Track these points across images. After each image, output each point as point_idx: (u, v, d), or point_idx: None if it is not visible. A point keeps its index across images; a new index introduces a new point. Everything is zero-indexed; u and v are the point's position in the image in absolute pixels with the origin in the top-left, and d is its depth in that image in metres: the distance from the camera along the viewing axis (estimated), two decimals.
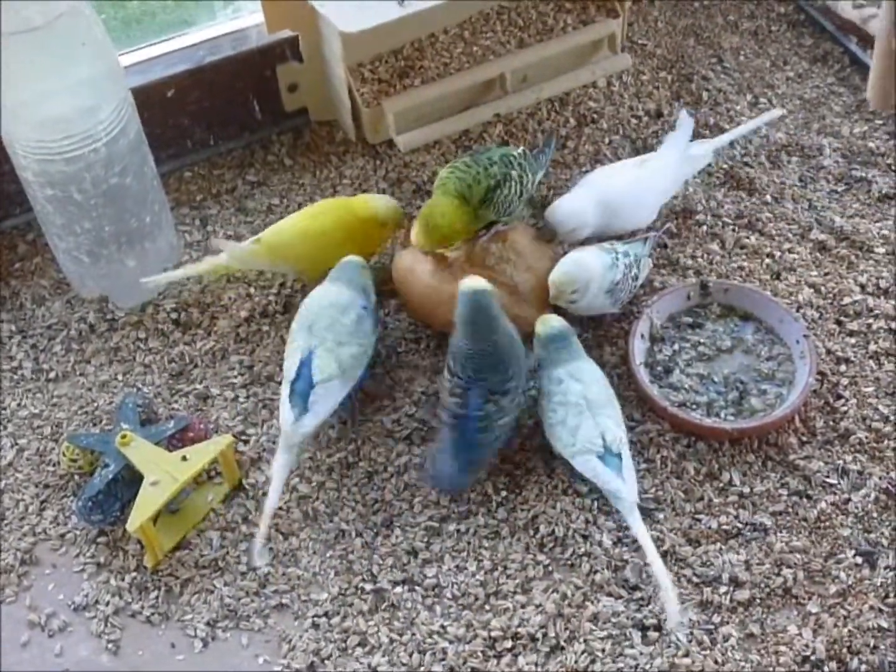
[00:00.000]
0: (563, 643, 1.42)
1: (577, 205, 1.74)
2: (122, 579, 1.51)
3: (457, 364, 1.51)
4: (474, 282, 1.51)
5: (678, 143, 1.85)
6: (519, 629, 1.43)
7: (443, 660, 1.42)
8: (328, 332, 1.58)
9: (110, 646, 1.46)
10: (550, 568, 1.49)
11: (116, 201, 1.67)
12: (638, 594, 1.46)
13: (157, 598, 1.49)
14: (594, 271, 1.63)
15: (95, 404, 1.68)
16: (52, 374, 1.73)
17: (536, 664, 1.40)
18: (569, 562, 1.49)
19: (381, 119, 1.94)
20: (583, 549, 1.50)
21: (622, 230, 1.78)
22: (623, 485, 1.47)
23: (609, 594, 1.46)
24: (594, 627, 1.43)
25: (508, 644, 1.42)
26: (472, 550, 1.51)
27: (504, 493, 1.56)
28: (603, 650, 1.41)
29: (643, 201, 1.79)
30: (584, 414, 1.51)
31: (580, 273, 1.63)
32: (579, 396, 1.52)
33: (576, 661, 1.40)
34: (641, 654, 1.41)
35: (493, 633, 1.43)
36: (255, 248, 1.72)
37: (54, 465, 1.62)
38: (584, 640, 1.42)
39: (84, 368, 1.74)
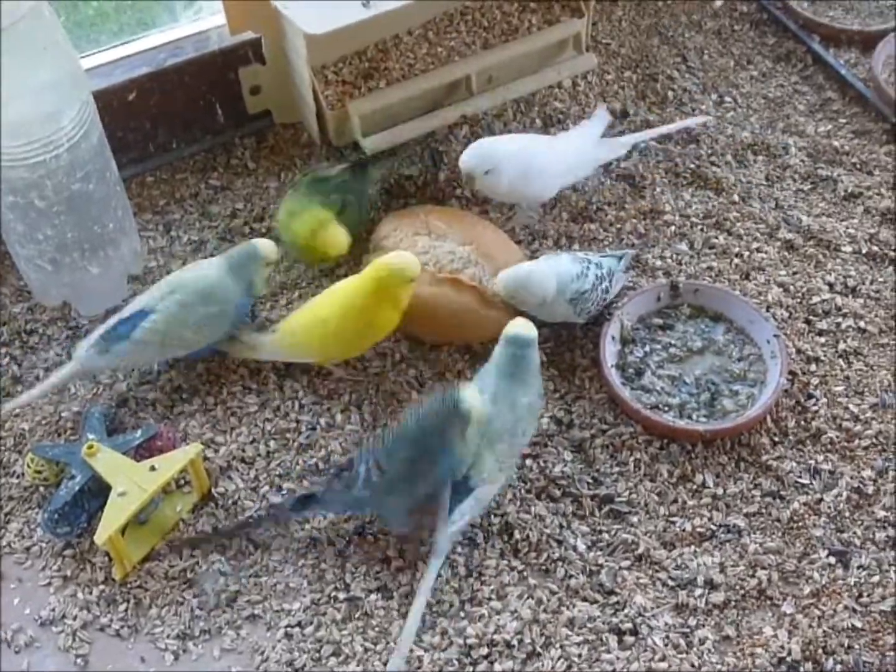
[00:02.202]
0: (539, 649, 1.41)
1: (496, 149, 1.74)
2: (90, 592, 1.48)
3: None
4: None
5: (588, 132, 1.87)
6: (495, 636, 1.42)
7: (419, 668, 1.40)
8: (178, 307, 1.60)
9: (79, 661, 1.43)
10: (525, 573, 1.48)
11: (79, 208, 1.64)
12: (613, 598, 1.45)
13: (126, 610, 1.47)
14: (545, 288, 1.61)
15: (60, 414, 1.65)
16: (14, 383, 1.70)
17: (513, 671, 1.39)
18: (543, 567, 1.48)
19: (345, 121, 1.92)
20: (557, 554, 1.49)
21: (525, 196, 1.79)
22: (444, 524, 1.45)
23: (584, 599, 1.45)
24: (570, 633, 1.42)
25: (484, 651, 1.41)
26: (446, 557, 1.49)
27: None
28: (579, 655, 1.40)
29: (547, 174, 1.79)
30: (481, 442, 1.47)
31: (526, 288, 1.62)
32: (484, 423, 1.47)
33: (552, 668, 1.39)
34: (618, 658, 1.40)
35: (468, 641, 1.41)
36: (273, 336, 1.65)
37: (18, 476, 1.59)
38: (561, 646, 1.41)
39: (48, 377, 1.70)
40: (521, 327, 1.50)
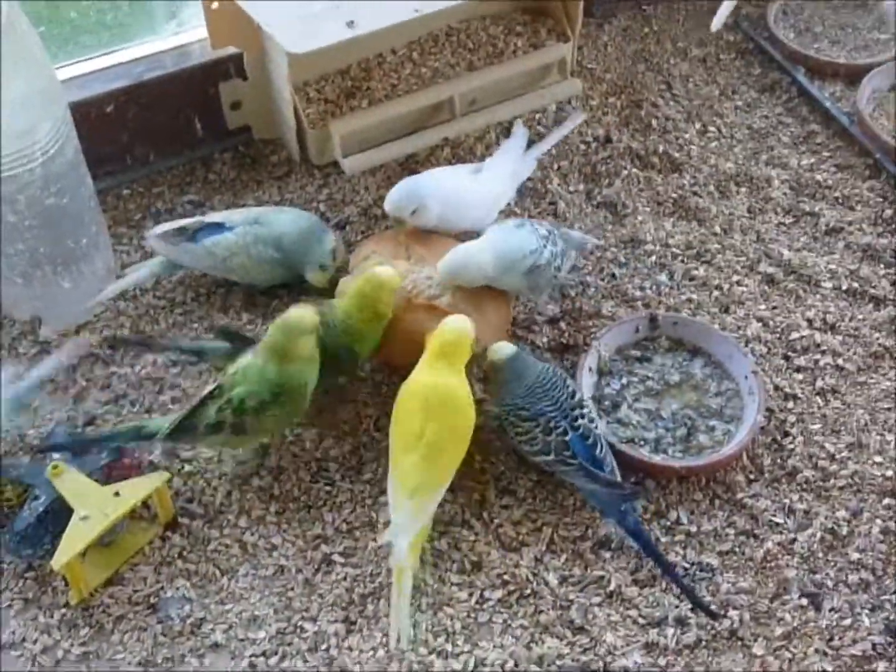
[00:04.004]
0: None
1: (416, 188, 1.71)
2: (51, 616, 1.46)
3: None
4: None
5: (512, 152, 1.86)
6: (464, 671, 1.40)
7: None
8: (253, 238, 1.70)
9: None
10: (497, 608, 1.46)
11: (52, 223, 1.62)
12: (583, 637, 1.43)
13: (87, 635, 1.44)
14: (483, 267, 1.61)
15: (25, 432, 1.62)
16: None
17: None
18: (514, 602, 1.46)
19: (326, 141, 1.90)
20: (529, 590, 1.47)
21: (460, 228, 1.76)
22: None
23: (555, 636, 1.43)
24: (539, 670, 1.40)
25: None
26: (416, 590, 1.47)
27: (449, 534, 1.53)
28: None
29: (478, 205, 1.77)
30: None
31: (463, 271, 1.61)
32: None
33: None
34: None
35: None
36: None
37: None
38: None
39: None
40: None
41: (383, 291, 1.56)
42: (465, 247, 1.64)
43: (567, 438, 1.48)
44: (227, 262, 1.72)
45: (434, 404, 1.46)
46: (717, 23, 2.12)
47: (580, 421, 1.49)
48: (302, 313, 1.51)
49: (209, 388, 1.51)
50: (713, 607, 1.45)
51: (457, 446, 1.48)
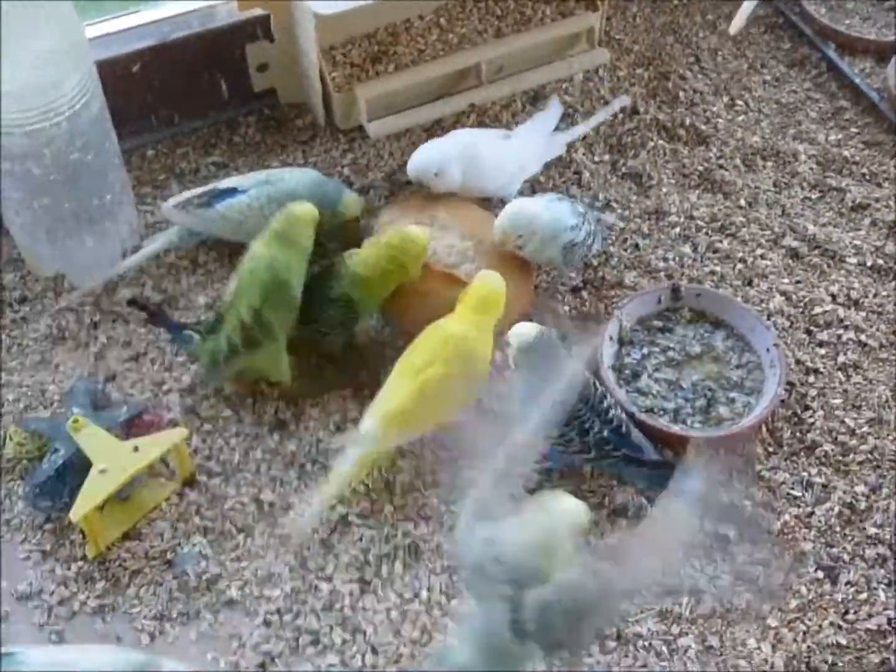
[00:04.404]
0: None
1: (439, 151, 1.72)
2: (68, 568, 1.46)
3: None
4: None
5: (543, 126, 1.86)
6: None
7: (397, 662, 1.38)
8: (266, 199, 1.69)
9: (53, 636, 1.41)
10: None
11: (77, 178, 1.62)
12: None
13: (103, 588, 1.45)
14: (537, 222, 1.62)
15: (46, 386, 1.63)
16: (1, 354, 1.68)
17: None
18: None
19: (352, 105, 1.89)
20: None
21: (483, 192, 1.76)
22: None
23: None
24: None
25: None
26: (428, 550, 1.48)
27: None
28: (561, 658, 1.38)
29: (505, 168, 1.77)
30: None
31: (522, 219, 1.62)
32: None
33: (534, 668, 1.37)
34: (599, 662, 1.39)
35: (450, 637, 1.39)
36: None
37: (1, 447, 1.57)
38: None
39: (36, 348, 1.69)
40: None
41: (413, 247, 1.57)
42: (522, 199, 1.67)
43: (605, 435, 1.47)
44: (242, 225, 1.71)
45: (448, 350, 1.48)
46: (737, 24, 2.10)
47: (612, 413, 1.48)
48: (305, 205, 1.58)
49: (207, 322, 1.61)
50: (726, 583, 1.45)
51: (453, 397, 1.46)
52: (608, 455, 1.48)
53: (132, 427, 1.54)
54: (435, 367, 1.47)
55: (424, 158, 1.71)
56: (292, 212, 1.57)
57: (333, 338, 1.63)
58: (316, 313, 1.60)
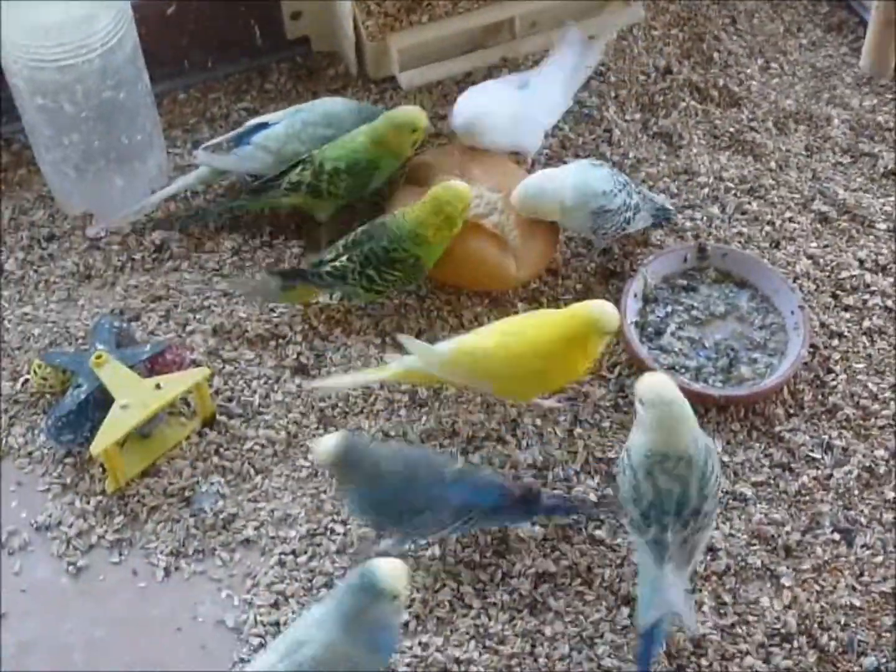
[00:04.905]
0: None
1: (482, 111, 1.73)
2: (88, 502, 1.48)
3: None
4: None
5: (563, 62, 1.84)
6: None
7: (409, 607, 1.39)
8: (301, 124, 1.75)
9: (70, 568, 1.43)
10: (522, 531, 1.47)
11: (107, 116, 1.63)
12: (611, 554, 1.43)
13: (121, 523, 1.47)
14: (560, 195, 1.61)
15: (71, 323, 1.64)
16: (28, 290, 1.69)
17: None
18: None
19: (384, 54, 1.89)
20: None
21: (497, 148, 1.75)
22: None
23: (582, 553, 1.44)
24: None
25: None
26: None
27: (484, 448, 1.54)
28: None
29: (533, 119, 1.78)
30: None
31: (540, 197, 1.62)
32: None
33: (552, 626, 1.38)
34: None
35: (461, 589, 1.41)
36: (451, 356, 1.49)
37: (25, 381, 1.58)
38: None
39: (62, 285, 1.70)
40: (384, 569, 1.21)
41: (458, 200, 1.57)
42: (546, 171, 1.65)
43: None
44: (280, 153, 1.72)
45: (552, 346, 1.45)
46: None
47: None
48: (415, 112, 1.69)
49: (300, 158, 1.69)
50: (743, 537, 1.45)
51: (528, 379, 1.48)
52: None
53: (155, 365, 1.55)
54: (532, 350, 1.45)
55: (470, 115, 1.72)
56: (396, 117, 1.69)
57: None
58: (380, 277, 1.60)
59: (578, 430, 1.54)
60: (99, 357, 1.49)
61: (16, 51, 1.54)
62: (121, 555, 1.44)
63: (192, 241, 1.76)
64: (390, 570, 1.20)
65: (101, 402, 1.49)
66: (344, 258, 1.60)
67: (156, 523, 1.47)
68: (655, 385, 1.29)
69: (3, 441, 1.53)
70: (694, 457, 1.27)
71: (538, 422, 1.55)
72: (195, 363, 1.59)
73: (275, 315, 1.66)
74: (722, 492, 1.46)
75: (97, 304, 1.67)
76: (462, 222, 1.59)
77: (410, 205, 1.61)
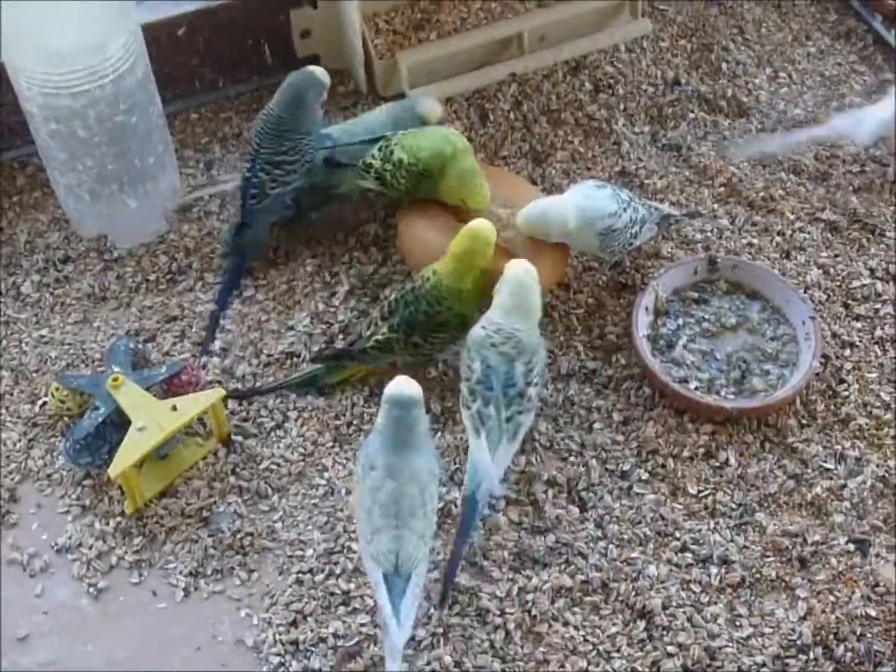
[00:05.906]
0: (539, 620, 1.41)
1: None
2: (107, 523, 1.49)
3: None
4: None
5: None
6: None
7: (426, 624, 1.40)
8: None
9: (91, 590, 1.44)
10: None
11: (120, 140, 1.64)
12: (626, 567, 1.44)
13: (140, 544, 1.48)
14: (564, 220, 1.60)
15: (87, 345, 1.66)
16: (44, 312, 1.71)
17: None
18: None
19: (394, 72, 1.90)
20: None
21: None
22: (392, 630, 1.29)
23: (598, 569, 1.45)
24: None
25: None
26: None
27: None
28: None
29: None
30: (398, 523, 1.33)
31: (544, 222, 1.61)
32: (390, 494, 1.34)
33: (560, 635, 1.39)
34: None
35: (481, 606, 1.41)
36: None
37: (43, 403, 1.60)
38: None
39: (78, 307, 1.71)
40: (401, 385, 1.35)
41: (486, 245, 1.53)
42: (548, 199, 1.64)
43: None
44: None
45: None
46: None
47: None
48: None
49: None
50: (758, 549, 1.45)
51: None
52: None
53: (171, 386, 1.56)
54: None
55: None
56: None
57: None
58: (426, 342, 1.57)
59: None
60: (115, 380, 1.50)
61: (30, 77, 1.56)
62: (140, 576, 1.45)
63: (206, 259, 1.77)
64: None
65: (118, 424, 1.50)
66: (385, 329, 1.56)
67: (174, 544, 1.48)
68: (518, 270, 1.48)
69: (23, 464, 1.55)
70: (524, 340, 1.46)
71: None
72: (210, 383, 1.61)
73: (290, 334, 1.67)
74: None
75: (113, 325, 1.69)
76: (489, 262, 1.55)
77: (435, 264, 1.56)
